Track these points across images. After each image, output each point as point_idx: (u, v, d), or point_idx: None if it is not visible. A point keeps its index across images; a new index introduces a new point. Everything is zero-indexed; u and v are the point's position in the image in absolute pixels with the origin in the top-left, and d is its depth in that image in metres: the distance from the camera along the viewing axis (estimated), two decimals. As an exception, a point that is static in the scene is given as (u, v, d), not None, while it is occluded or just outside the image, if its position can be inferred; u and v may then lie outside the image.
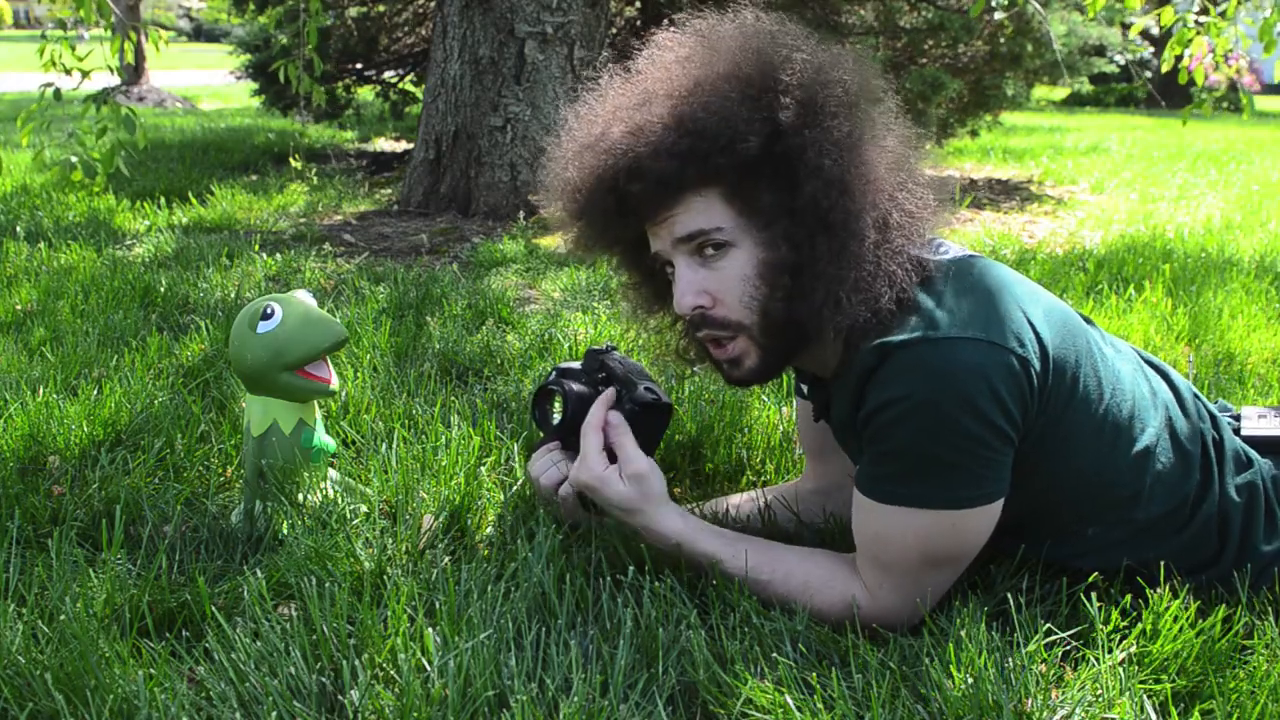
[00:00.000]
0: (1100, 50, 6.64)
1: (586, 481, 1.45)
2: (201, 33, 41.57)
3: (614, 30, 5.94)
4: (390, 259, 3.88)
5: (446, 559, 1.55)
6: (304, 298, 1.68)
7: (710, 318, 1.35)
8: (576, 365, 1.67)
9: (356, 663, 1.24)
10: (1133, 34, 4.26)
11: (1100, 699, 1.19)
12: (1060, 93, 16.04)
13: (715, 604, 1.38)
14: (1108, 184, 6.53)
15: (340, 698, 1.20)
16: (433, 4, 5.73)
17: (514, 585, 1.43)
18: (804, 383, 1.60)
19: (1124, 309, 2.99)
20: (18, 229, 3.97)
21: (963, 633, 1.27)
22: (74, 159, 4.39)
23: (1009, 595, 1.36)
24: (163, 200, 4.70)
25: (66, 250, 3.65)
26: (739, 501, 1.71)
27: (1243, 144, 9.37)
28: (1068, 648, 1.30)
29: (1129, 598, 1.37)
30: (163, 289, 3.10)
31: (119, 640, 1.31)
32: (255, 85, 7.39)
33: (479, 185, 4.59)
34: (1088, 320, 1.44)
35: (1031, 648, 1.25)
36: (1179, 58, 4.12)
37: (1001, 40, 5.76)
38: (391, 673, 1.24)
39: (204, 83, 16.86)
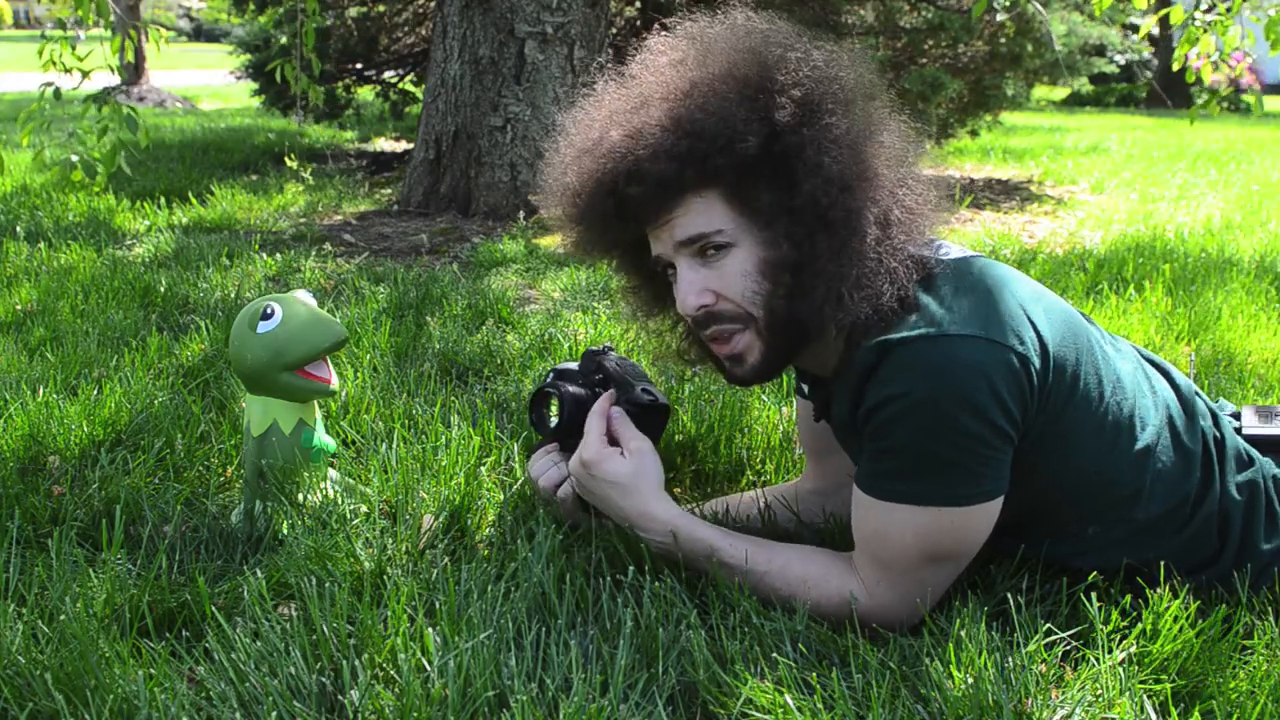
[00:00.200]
0: (1100, 50, 6.64)
1: (587, 458, 1.46)
2: (201, 33, 41.58)
3: (614, 30, 5.94)
4: (390, 259, 3.88)
5: (446, 559, 1.55)
6: (304, 298, 1.68)
7: (716, 313, 1.35)
8: (574, 367, 1.67)
9: (356, 663, 1.24)
10: (1141, 34, 4.26)
11: (1100, 699, 1.19)
12: (1060, 93, 16.04)
13: (715, 604, 1.38)
14: (1108, 184, 6.53)
15: (340, 698, 1.20)
16: (433, 4, 5.73)
17: (514, 585, 1.43)
18: (804, 382, 1.60)
19: (1124, 309, 2.99)
20: (18, 229, 3.97)
21: (963, 633, 1.27)
22: (74, 159, 4.39)
23: (1009, 595, 1.36)
24: (163, 200, 4.70)
25: (66, 250, 3.65)
26: (739, 501, 1.71)
27: (1243, 144, 9.36)
28: (1068, 648, 1.30)
29: (1129, 598, 1.37)
30: (163, 289, 3.10)
31: (119, 640, 1.31)
32: (255, 85, 7.39)
33: (479, 185, 4.59)
34: (1088, 319, 1.44)
35: (1031, 648, 1.25)
36: (1187, 56, 4.13)
37: (1001, 40, 5.75)
38: (391, 673, 1.24)
39: (204, 83, 16.86)
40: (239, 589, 1.44)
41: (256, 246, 3.83)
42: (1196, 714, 1.20)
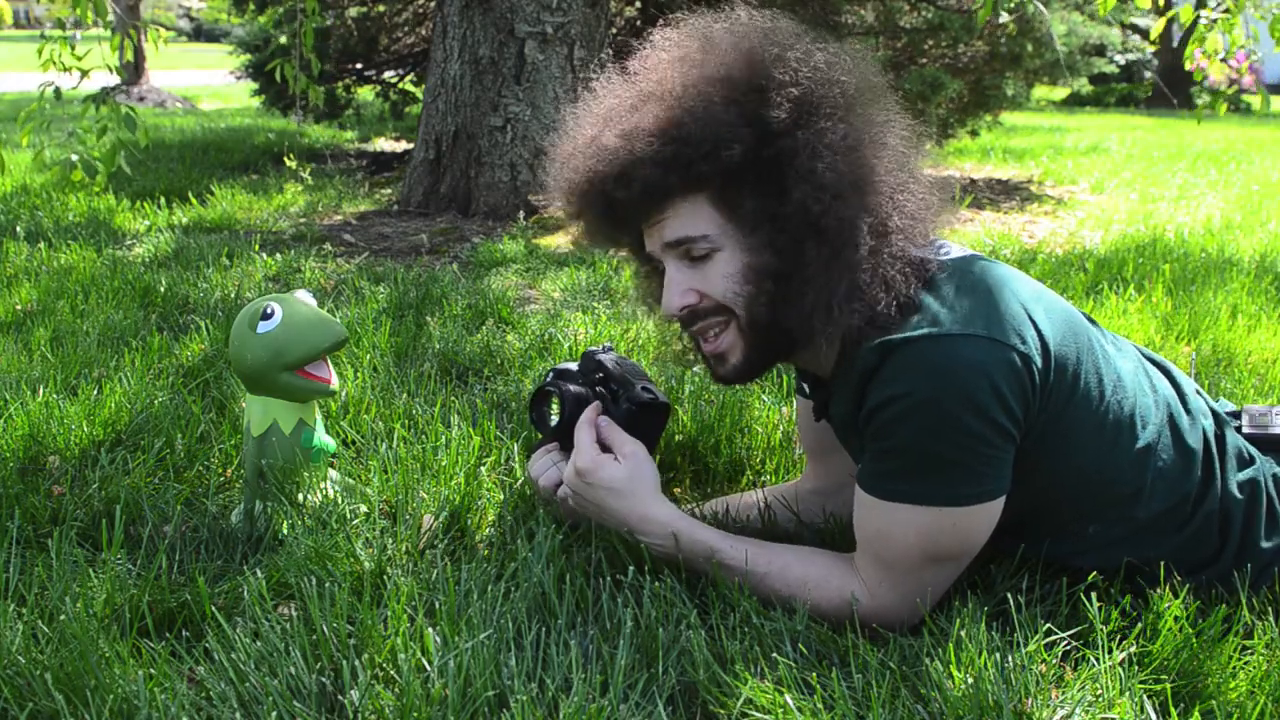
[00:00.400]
0: (1100, 50, 6.64)
1: (582, 466, 1.46)
2: (201, 33, 41.57)
3: (614, 30, 5.94)
4: (390, 259, 3.88)
5: (446, 559, 1.55)
6: (304, 298, 1.68)
7: (699, 310, 1.37)
8: (573, 366, 1.67)
9: (356, 663, 1.24)
10: (1154, 35, 4.25)
11: (1100, 699, 1.19)
12: (1060, 93, 16.04)
13: (715, 604, 1.38)
14: (1108, 184, 6.53)
15: (340, 698, 1.20)
16: (433, 4, 5.73)
17: (514, 585, 1.43)
18: (805, 382, 1.60)
19: (1124, 309, 2.99)
20: (18, 229, 3.97)
21: (963, 633, 1.27)
22: (74, 159, 4.39)
23: (1009, 595, 1.36)
24: (163, 200, 4.70)
25: (66, 250, 3.65)
26: (739, 502, 1.71)
27: (1243, 144, 9.37)
28: (1068, 648, 1.30)
29: (1129, 597, 1.37)
30: (163, 289, 3.10)
31: (119, 640, 1.31)
32: (255, 85, 7.39)
33: (479, 185, 4.59)
34: (1089, 319, 1.45)
35: (1031, 648, 1.25)
36: (1195, 54, 4.13)
37: (1002, 40, 5.75)
38: (391, 673, 1.24)
39: (204, 83, 16.86)
40: (239, 589, 1.44)
41: (256, 246, 3.83)
42: (1196, 714, 1.20)
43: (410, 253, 4.02)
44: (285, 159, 5.86)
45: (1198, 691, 1.25)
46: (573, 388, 1.60)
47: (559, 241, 4.13)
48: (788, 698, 1.18)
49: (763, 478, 1.90)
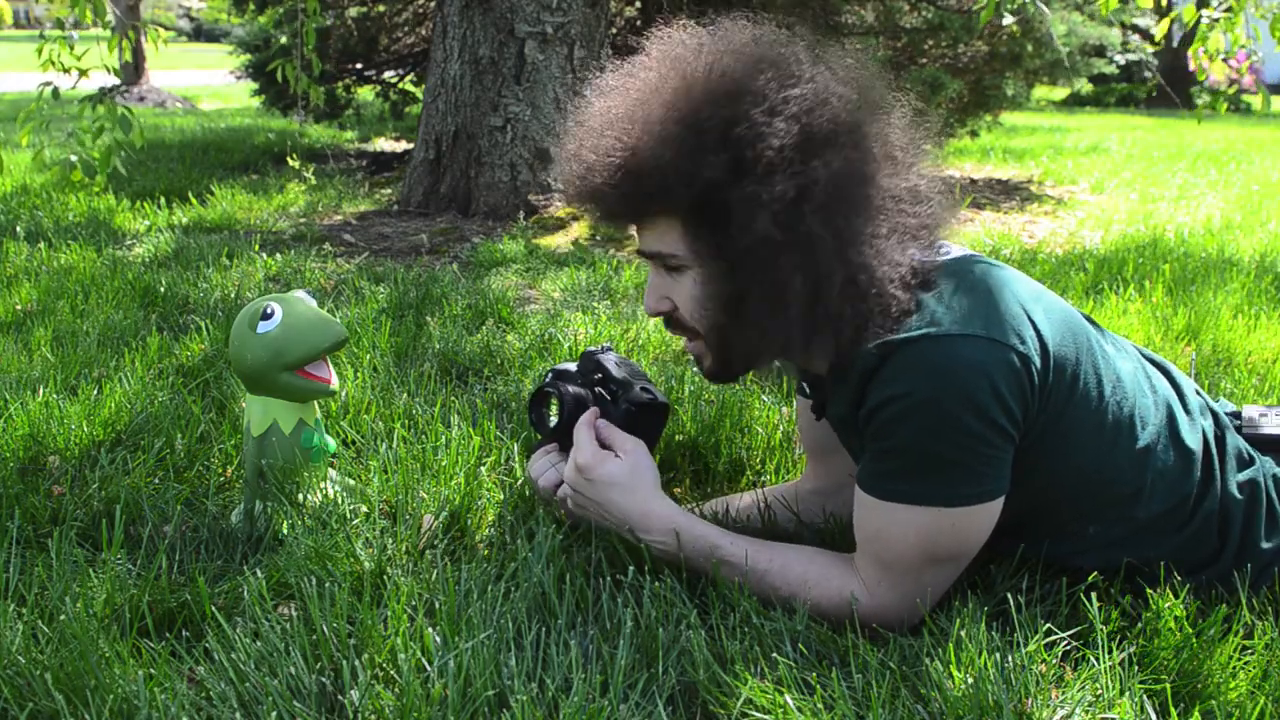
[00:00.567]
0: (1100, 50, 6.64)
1: (582, 463, 1.47)
2: (201, 33, 41.58)
3: (614, 30, 5.94)
4: (390, 259, 3.88)
5: (446, 559, 1.55)
6: (304, 298, 1.68)
7: (673, 320, 1.41)
8: (572, 367, 1.67)
9: (356, 663, 1.24)
10: (1159, 35, 4.25)
11: (1100, 699, 1.19)
12: (1060, 93, 16.04)
13: (715, 604, 1.38)
14: (1108, 184, 6.53)
15: (340, 698, 1.20)
16: (433, 4, 5.73)
17: (514, 585, 1.43)
18: (805, 381, 1.60)
19: (1124, 309, 2.99)
20: (18, 229, 3.97)
21: (963, 633, 1.27)
22: (73, 159, 4.39)
23: (1009, 595, 1.36)
24: (163, 200, 4.70)
25: (66, 250, 3.65)
26: (739, 502, 1.71)
27: (1243, 144, 9.37)
28: (1068, 648, 1.30)
29: (1129, 597, 1.37)
30: (163, 289, 3.10)
31: (119, 640, 1.31)
32: (255, 85, 7.39)
33: (479, 185, 4.59)
34: (1089, 319, 1.45)
35: (1031, 648, 1.25)
36: (1198, 53, 4.13)
37: (1003, 39, 5.76)
38: (391, 673, 1.24)
39: (204, 83, 16.86)
40: (239, 589, 1.44)
41: (256, 246, 3.83)
42: (1196, 714, 1.20)
43: (410, 253, 4.02)
44: (289, 159, 5.87)
45: (1198, 691, 1.25)
46: (572, 388, 1.60)
47: (559, 241, 4.13)
48: (788, 698, 1.18)
49: (763, 478, 1.90)
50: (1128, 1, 5.97)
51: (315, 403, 1.71)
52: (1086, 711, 1.18)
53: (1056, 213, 5.45)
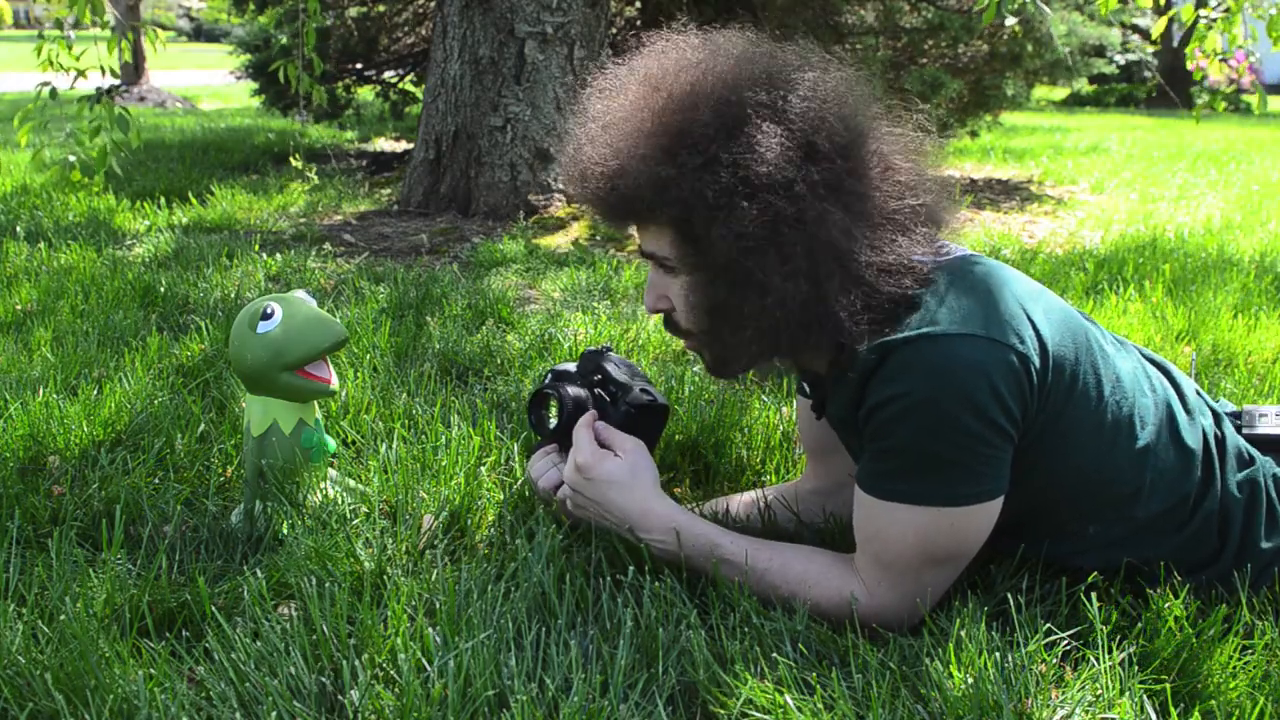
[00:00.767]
0: (1100, 50, 6.64)
1: (582, 462, 1.47)
2: (201, 33, 41.58)
3: (614, 30, 5.94)
4: (390, 259, 3.88)
5: (446, 559, 1.55)
6: (304, 298, 1.68)
7: (671, 321, 1.43)
8: (572, 368, 1.67)
9: (356, 663, 1.24)
10: (1155, 34, 4.25)
11: (1100, 699, 1.19)
12: (1060, 93, 16.04)
13: (715, 604, 1.38)
14: (1108, 184, 6.53)
15: (340, 698, 1.20)
16: (433, 4, 5.73)
17: (514, 585, 1.43)
18: (805, 380, 1.60)
19: (1124, 309, 2.99)
20: (18, 229, 3.97)
21: (963, 633, 1.27)
22: (72, 159, 4.38)
23: (1009, 595, 1.36)
24: (163, 200, 4.70)
25: (66, 250, 3.65)
26: (739, 502, 1.71)
27: (1243, 144, 9.37)
28: (1068, 648, 1.30)
29: (1129, 597, 1.37)
30: (163, 289, 3.10)
31: (119, 640, 1.31)
32: (255, 85, 7.39)
33: (479, 185, 4.59)
34: (1088, 319, 1.45)
35: (1031, 648, 1.25)
36: (1195, 53, 4.13)
37: (1003, 39, 5.75)
38: (391, 673, 1.24)
39: (204, 83, 16.86)
40: (239, 589, 1.44)
41: (256, 246, 3.83)
42: (1196, 714, 1.20)
43: (410, 253, 4.02)
44: (291, 159, 5.87)
45: (1198, 691, 1.25)
46: (572, 390, 1.60)
47: (559, 241, 4.13)
48: (788, 698, 1.18)
49: (763, 478, 1.90)
50: (1127, 1, 5.97)
51: (315, 403, 1.71)
52: (1086, 711, 1.18)
53: (1056, 213, 5.45)
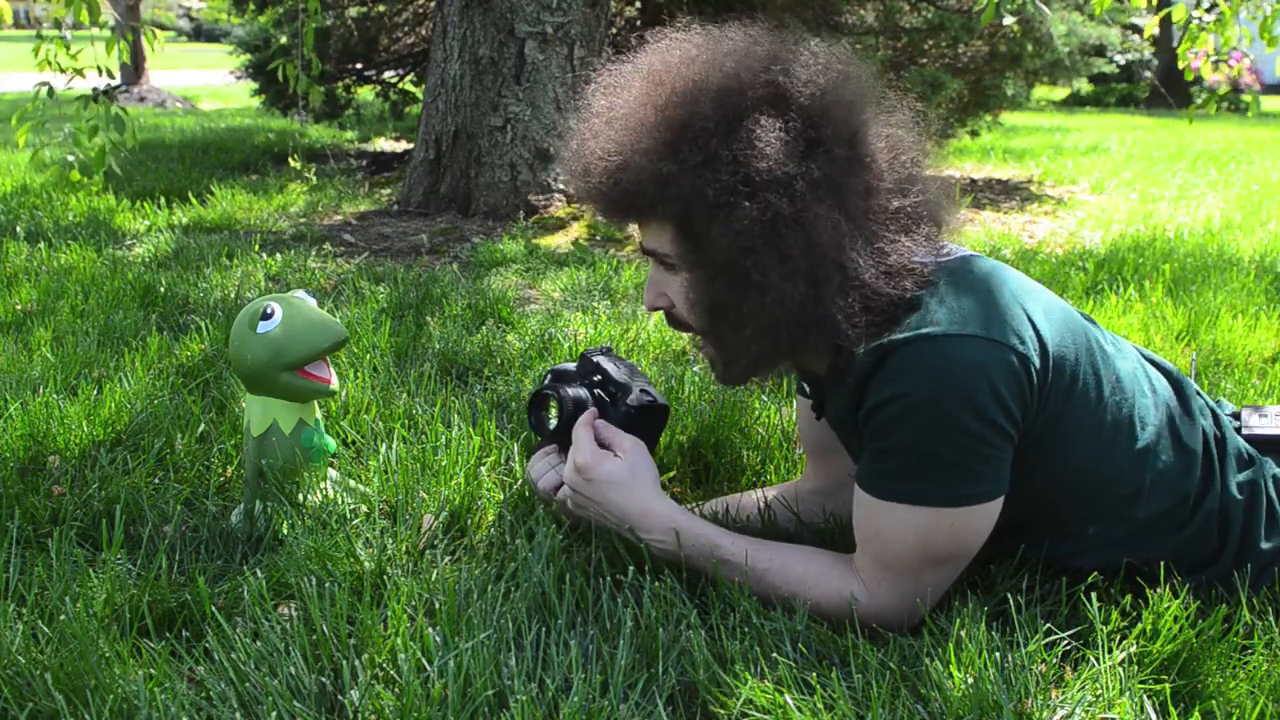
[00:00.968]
0: (1100, 50, 6.64)
1: (581, 462, 1.47)
2: (201, 33, 41.59)
3: (614, 30, 5.94)
4: (390, 259, 3.88)
5: (446, 559, 1.55)
6: (304, 298, 1.68)
7: (671, 317, 1.43)
8: (571, 368, 1.67)
9: (356, 663, 1.24)
10: (1147, 34, 4.26)
11: (1100, 699, 1.19)
12: (1060, 93, 16.04)
13: (715, 604, 1.38)
14: (1108, 184, 6.53)
15: (340, 698, 1.20)
16: (433, 4, 5.73)
17: (514, 585, 1.43)
18: (805, 380, 1.60)
19: (1124, 309, 2.99)
20: (18, 229, 3.97)
21: (963, 633, 1.27)
22: (71, 158, 4.38)
23: (1009, 595, 1.36)
24: (163, 200, 4.70)
25: (66, 250, 3.65)
26: (739, 501, 1.71)
27: (1243, 144, 9.37)
28: (1068, 648, 1.30)
29: (1129, 598, 1.37)
30: (163, 289, 3.10)
31: (119, 640, 1.31)
32: (255, 85, 7.39)
33: (479, 185, 4.59)
34: (1088, 319, 1.45)
35: (1031, 648, 1.25)
36: (1188, 54, 4.13)
37: (1003, 38, 5.76)
38: (391, 673, 1.24)
39: (204, 83, 16.86)
40: (239, 589, 1.44)
41: (256, 246, 3.83)
42: (1196, 714, 1.20)
43: (410, 253, 4.02)
44: (291, 159, 5.87)
45: (1198, 691, 1.25)
46: (571, 390, 1.60)
47: (559, 241, 4.13)
48: (788, 698, 1.18)
49: (763, 478, 1.90)
50: (1123, 1, 5.97)
51: (315, 403, 1.71)
52: (1086, 711, 1.18)
53: (1056, 213, 5.45)
